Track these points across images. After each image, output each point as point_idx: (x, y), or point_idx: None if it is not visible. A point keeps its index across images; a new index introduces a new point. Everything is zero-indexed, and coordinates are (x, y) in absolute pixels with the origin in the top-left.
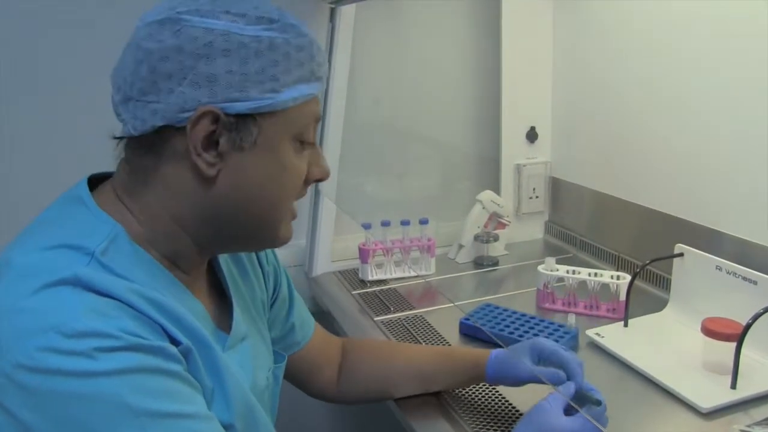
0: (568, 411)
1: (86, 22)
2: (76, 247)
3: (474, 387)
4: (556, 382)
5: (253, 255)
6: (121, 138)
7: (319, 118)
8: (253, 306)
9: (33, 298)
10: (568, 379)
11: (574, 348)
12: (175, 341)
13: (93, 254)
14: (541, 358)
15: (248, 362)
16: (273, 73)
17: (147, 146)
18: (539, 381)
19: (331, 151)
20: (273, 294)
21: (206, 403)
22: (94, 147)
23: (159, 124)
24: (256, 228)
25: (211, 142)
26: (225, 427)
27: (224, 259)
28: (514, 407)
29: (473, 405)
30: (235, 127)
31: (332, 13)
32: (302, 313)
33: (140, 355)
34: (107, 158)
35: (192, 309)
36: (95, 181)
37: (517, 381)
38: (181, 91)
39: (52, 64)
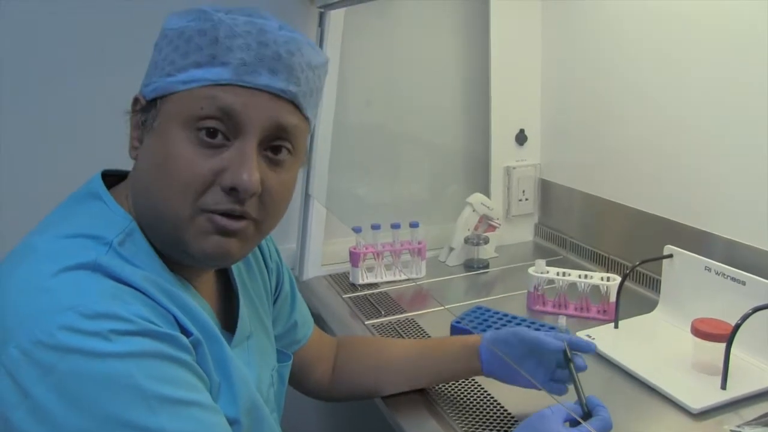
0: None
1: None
2: (95, 237)
3: (462, 386)
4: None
5: (257, 251)
6: None
7: (230, 111)
8: (258, 302)
9: (53, 279)
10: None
11: None
12: (186, 332)
13: (111, 244)
14: (542, 357)
15: (253, 361)
16: (172, 58)
17: None
18: (537, 347)
19: (321, 155)
20: (276, 290)
21: (212, 397)
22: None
23: None
24: (164, 226)
25: (138, 127)
26: (230, 421)
27: None
28: (501, 406)
29: (461, 403)
30: (146, 111)
31: (321, 18)
32: (303, 311)
33: (153, 341)
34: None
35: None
36: (111, 178)
37: (511, 381)
38: None
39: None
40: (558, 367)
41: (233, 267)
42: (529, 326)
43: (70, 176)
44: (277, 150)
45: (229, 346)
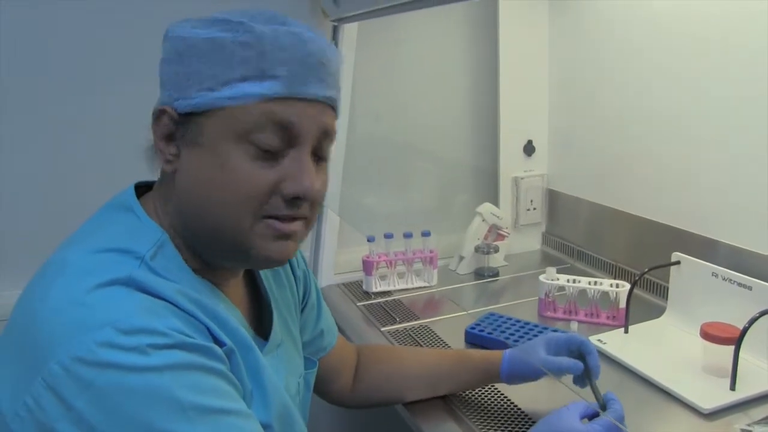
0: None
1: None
2: (127, 251)
3: (480, 389)
4: (575, 371)
5: None
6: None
7: (287, 123)
8: (286, 310)
9: (90, 295)
10: (586, 362)
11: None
12: (219, 342)
13: (143, 258)
14: (557, 348)
15: (282, 368)
16: (212, 72)
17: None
18: (556, 371)
19: (334, 165)
20: (304, 299)
21: (246, 404)
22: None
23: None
24: (220, 238)
25: (171, 140)
26: (263, 426)
27: None
28: (519, 409)
29: (480, 407)
30: (183, 124)
31: (335, 31)
32: (329, 319)
33: (188, 353)
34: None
35: (230, 315)
36: (141, 188)
37: (534, 374)
38: (159, 94)
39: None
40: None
41: (261, 273)
42: (542, 331)
43: (73, 179)
44: (321, 151)
45: (262, 353)
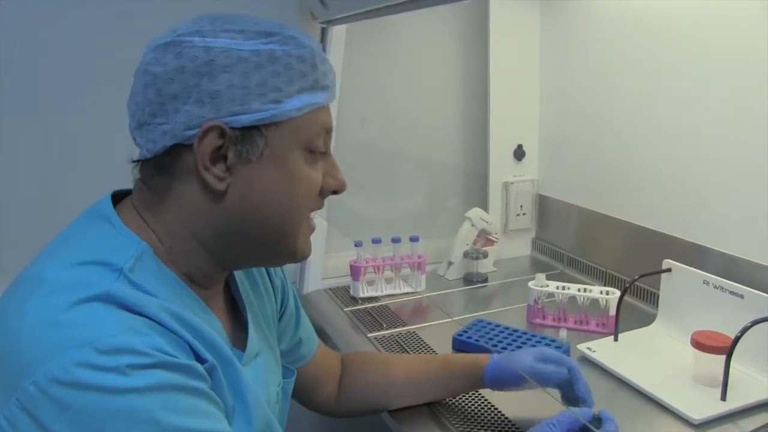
0: None
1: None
2: (105, 263)
3: (466, 397)
4: (558, 377)
5: (263, 268)
6: (138, 161)
7: (331, 128)
8: (264, 320)
9: (67, 314)
10: (571, 381)
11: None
12: (200, 359)
13: (121, 271)
14: (545, 363)
15: (260, 378)
16: (275, 84)
17: (160, 167)
18: (540, 379)
19: None
20: (281, 307)
21: (228, 419)
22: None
23: (169, 143)
24: (272, 242)
25: (219, 156)
26: None
27: (238, 274)
28: (506, 417)
29: (466, 415)
30: (240, 140)
31: (323, 33)
32: (308, 327)
33: (169, 373)
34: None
35: (211, 326)
36: (115, 197)
37: (517, 381)
38: (187, 109)
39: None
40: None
41: (239, 283)
42: (530, 338)
43: (72, 180)
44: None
45: (240, 364)
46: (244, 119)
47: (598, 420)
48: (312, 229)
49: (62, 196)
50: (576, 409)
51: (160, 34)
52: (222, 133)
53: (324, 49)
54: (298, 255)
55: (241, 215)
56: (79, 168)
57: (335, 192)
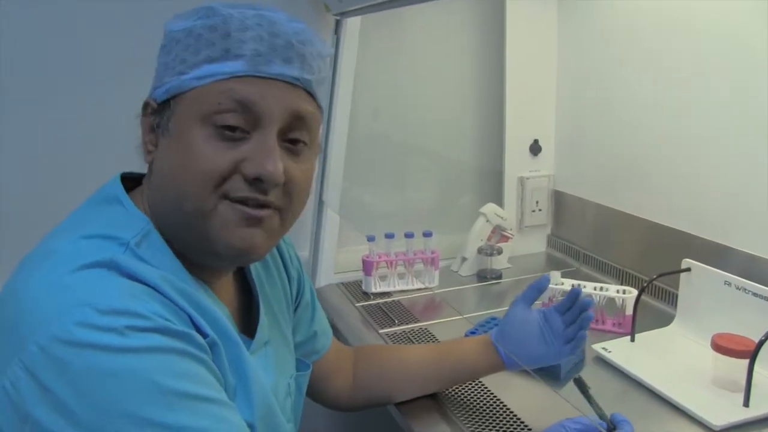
0: None
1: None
2: (113, 238)
3: (472, 390)
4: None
5: (278, 257)
6: None
7: (248, 102)
8: (278, 309)
9: (70, 277)
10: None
11: (581, 363)
12: (202, 333)
13: (128, 245)
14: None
15: (270, 367)
16: (183, 57)
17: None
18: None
19: (336, 162)
20: (297, 298)
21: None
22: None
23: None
24: (186, 226)
25: (152, 131)
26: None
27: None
28: (511, 411)
29: (472, 408)
30: (159, 113)
31: (337, 25)
32: (323, 321)
33: (168, 338)
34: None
35: (217, 307)
36: (128, 180)
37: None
38: None
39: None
40: (566, 325)
41: (252, 271)
42: None
43: (77, 178)
44: (295, 141)
45: (248, 351)
46: (158, 93)
47: (612, 428)
48: (242, 214)
49: (62, 195)
50: (591, 418)
51: (160, 33)
52: (150, 109)
53: (338, 41)
54: (217, 245)
55: (160, 191)
56: (79, 167)
57: (258, 180)
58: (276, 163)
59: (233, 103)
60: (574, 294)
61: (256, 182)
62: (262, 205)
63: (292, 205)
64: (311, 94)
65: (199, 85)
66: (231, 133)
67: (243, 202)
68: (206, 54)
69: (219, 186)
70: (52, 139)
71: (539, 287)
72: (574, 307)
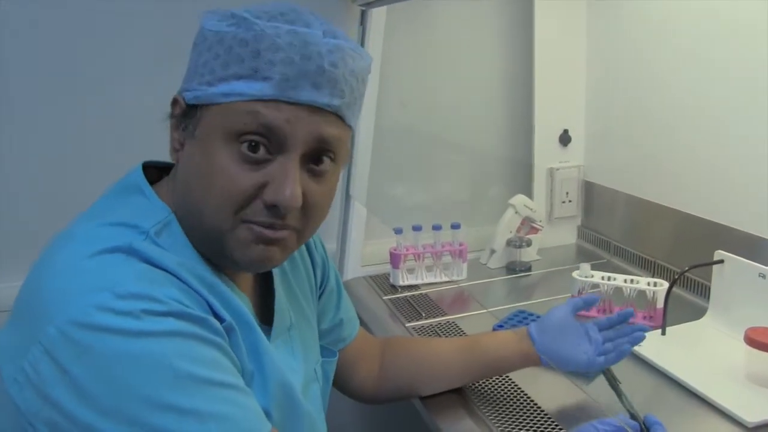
0: None
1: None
2: (133, 226)
3: (497, 385)
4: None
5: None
6: None
7: (273, 128)
8: (302, 295)
9: (89, 261)
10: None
11: None
12: (219, 318)
13: (148, 233)
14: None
15: (297, 350)
16: (212, 66)
17: None
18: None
19: (362, 156)
20: (321, 285)
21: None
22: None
23: None
24: (208, 234)
25: (179, 129)
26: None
27: None
28: (539, 407)
29: (498, 404)
30: (187, 114)
31: (363, 16)
32: (350, 310)
33: (184, 323)
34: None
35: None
36: (151, 169)
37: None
38: None
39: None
40: (605, 339)
41: None
42: None
43: (74, 174)
44: (319, 161)
45: (268, 339)
46: (188, 96)
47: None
48: (259, 235)
49: (62, 195)
50: (621, 416)
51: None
52: (179, 108)
53: (363, 32)
54: (234, 256)
55: (183, 192)
56: (79, 167)
57: (274, 206)
58: (294, 190)
59: (258, 126)
60: (625, 316)
61: (274, 208)
62: (280, 227)
63: (309, 225)
64: (340, 117)
65: (225, 102)
66: (253, 155)
67: (261, 224)
68: (234, 70)
69: (239, 210)
70: (53, 139)
71: (589, 301)
72: (620, 326)
